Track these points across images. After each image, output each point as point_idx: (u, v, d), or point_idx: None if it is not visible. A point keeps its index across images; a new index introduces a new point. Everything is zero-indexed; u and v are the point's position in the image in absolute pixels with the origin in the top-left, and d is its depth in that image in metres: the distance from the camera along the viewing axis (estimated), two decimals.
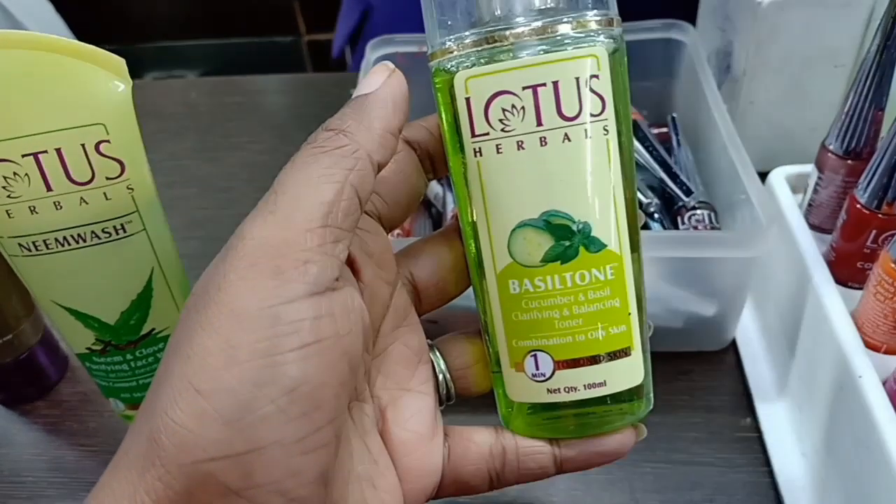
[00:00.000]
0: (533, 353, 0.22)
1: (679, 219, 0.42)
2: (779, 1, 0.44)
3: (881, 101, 0.34)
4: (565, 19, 0.21)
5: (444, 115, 0.22)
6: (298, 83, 0.70)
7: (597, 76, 0.20)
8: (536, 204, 0.21)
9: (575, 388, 0.22)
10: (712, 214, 0.41)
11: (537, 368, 0.22)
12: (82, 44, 0.25)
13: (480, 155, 0.21)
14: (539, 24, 0.20)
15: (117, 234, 0.28)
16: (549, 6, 0.21)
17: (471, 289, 0.25)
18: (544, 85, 0.20)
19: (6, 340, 0.38)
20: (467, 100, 0.21)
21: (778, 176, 0.40)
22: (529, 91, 0.20)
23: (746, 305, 0.40)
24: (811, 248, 0.35)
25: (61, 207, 0.27)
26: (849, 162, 0.35)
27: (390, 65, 0.22)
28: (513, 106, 0.21)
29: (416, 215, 0.47)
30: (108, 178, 0.27)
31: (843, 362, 0.30)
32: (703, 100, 0.44)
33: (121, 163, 0.27)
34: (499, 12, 0.21)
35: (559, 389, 0.22)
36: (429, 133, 0.24)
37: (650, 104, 0.53)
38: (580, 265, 0.21)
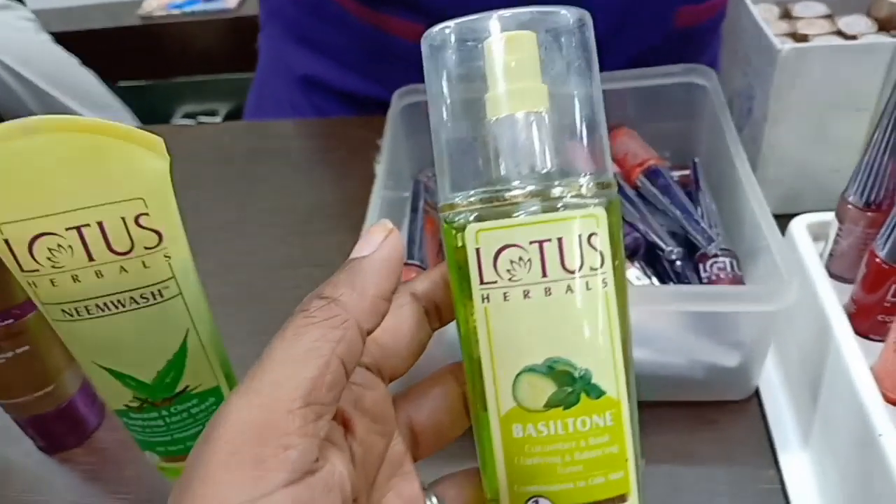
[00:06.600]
0: (534, 498, 0.23)
1: (701, 266, 0.42)
2: (798, 47, 0.45)
3: None
4: (572, 183, 0.22)
5: (453, 262, 0.23)
6: (323, 127, 0.72)
7: (596, 234, 0.22)
8: (540, 350, 0.22)
9: None
10: (734, 262, 0.41)
11: None
12: (123, 125, 0.27)
13: (488, 301, 0.22)
14: (546, 187, 0.22)
15: (155, 299, 0.29)
16: (557, 170, 0.22)
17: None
18: (549, 241, 0.22)
19: (47, 391, 0.40)
20: (477, 250, 0.22)
21: (799, 225, 0.40)
22: (536, 245, 0.22)
23: (770, 353, 0.40)
24: (832, 301, 0.35)
25: (102, 276, 0.28)
26: (868, 214, 0.36)
27: (388, 224, 0.23)
28: (520, 258, 0.22)
29: None
30: (146, 248, 0.28)
31: (863, 419, 0.30)
32: (726, 145, 0.45)
33: (158, 233, 0.28)
34: (512, 174, 0.22)
35: None
36: (434, 284, 0.25)
37: (673, 145, 0.53)
38: (581, 411, 0.22)
